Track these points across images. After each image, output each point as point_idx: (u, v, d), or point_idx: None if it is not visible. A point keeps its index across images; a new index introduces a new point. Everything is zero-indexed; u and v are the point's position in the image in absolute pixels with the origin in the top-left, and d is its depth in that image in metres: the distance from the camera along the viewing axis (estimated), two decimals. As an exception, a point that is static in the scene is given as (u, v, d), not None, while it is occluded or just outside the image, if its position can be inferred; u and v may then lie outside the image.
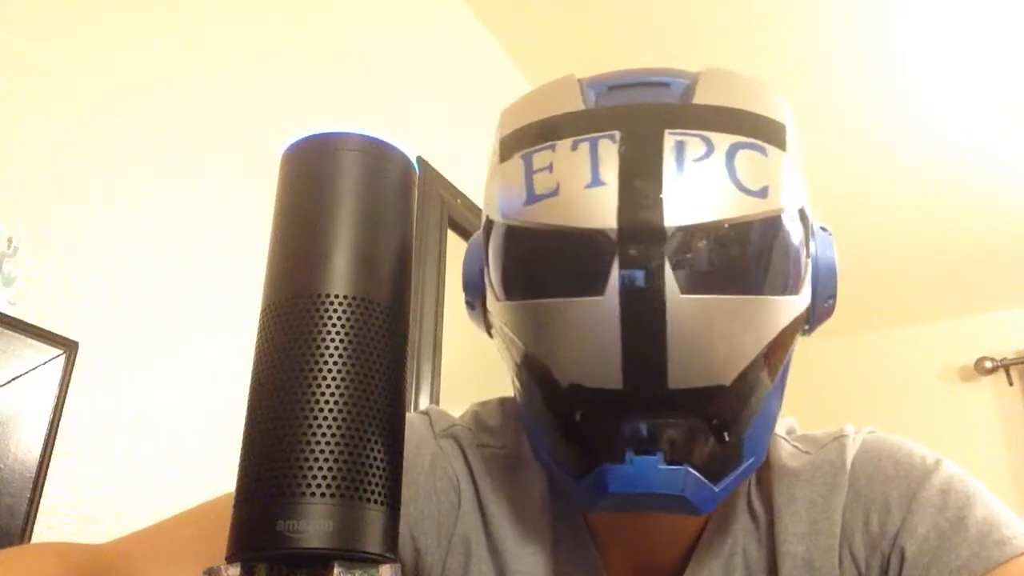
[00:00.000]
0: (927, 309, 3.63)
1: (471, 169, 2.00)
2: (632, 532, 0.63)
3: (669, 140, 0.51)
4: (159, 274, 1.22)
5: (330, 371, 0.36)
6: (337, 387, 0.36)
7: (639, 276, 0.48)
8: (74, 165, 1.13)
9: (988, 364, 3.53)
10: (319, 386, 0.36)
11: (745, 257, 0.52)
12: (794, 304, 0.53)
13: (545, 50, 2.30)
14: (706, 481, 0.52)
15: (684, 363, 0.49)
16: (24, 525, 0.97)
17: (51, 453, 1.02)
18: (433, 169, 1.87)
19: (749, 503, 0.63)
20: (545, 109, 0.56)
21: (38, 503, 0.99)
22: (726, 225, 0.50)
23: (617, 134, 0.52)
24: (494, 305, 0.57)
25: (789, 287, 0.53)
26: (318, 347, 0.36)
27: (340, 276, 0.38)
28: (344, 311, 0.37)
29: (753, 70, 0.60)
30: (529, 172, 0.53)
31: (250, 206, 1.37)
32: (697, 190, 0.49)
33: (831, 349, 3.66)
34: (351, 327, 0.37)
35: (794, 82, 2.33)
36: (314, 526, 0.33)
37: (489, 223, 0.56)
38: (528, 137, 0.55)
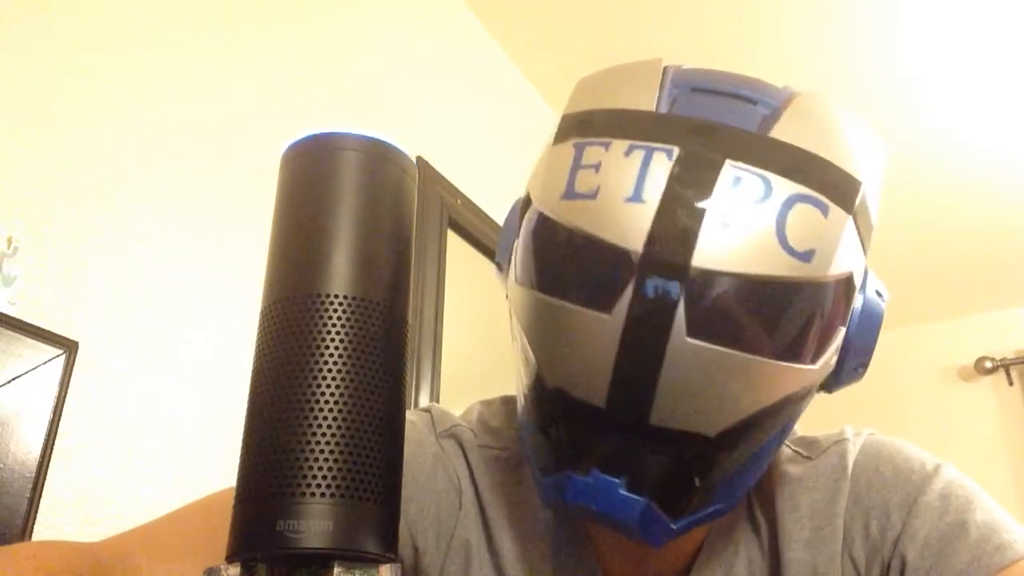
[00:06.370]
0: (927, 309, 3.62)
1: (471, 169, 2.00)
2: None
3: (728, 173, 0.48)
4: (159, 274, 1.22)
5: (330, 371, 0.36)
6: (337, 387, 0.36)
7: (650, 307, 0.46)
8: (74, 165, 1.13)
9: (988, 364, 3.52)
10: (319, 386, 0.36)
11: (764, 317, 0.48)
12: (806, 373, 0.50)
13: (546, 50, 2.30)
14: (664, 516, 0.50)
15: (671, 404, 0.48)
16: (24, 525, 0.97)
17: (51, 453, 1.02)
18: (433, 169, 1.87)
19: (750, 511, 0.63)
20: (616, 97, 0.54)
21: (38, 503, 0.99)
22: (754, 280, 0.47)
23: (676, 151, 0.49)
24: (511, 283, 0.56)
25: (805, 356, 0.50)
26: (318, 347, 0.36)
27: (340, 276, 0.38)
28: (344, 311, 0.37)
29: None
30: (576, 165, 0.51)
31: (250, 206, 1.37)
32: (737, 235, 0.47)
33: (831, 349, 3.65)
34: (351, 327, 0.37)
35: (794, 80, 2.33)
36: (314, 526, 0.33)
37: (528, 201, 0.54)
38: (587, 125, 0.53)
